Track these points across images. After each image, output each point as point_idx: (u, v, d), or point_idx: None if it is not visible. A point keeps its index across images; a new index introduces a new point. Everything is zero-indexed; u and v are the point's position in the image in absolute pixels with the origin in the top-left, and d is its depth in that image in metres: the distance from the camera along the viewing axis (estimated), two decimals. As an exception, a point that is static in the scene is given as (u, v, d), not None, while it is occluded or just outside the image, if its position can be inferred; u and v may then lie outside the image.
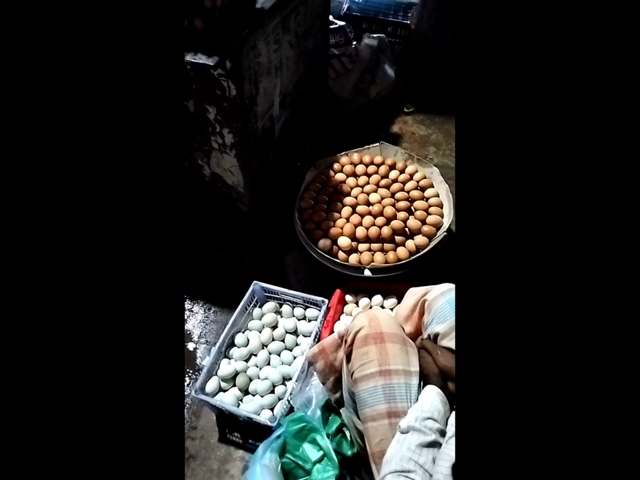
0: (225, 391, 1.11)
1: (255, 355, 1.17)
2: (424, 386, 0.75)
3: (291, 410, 1.03)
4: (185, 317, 1.34)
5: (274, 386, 1.10)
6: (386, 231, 1.29)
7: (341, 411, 0.93)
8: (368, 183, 1.43)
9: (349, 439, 0.93)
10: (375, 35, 1.97)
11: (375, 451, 0.72)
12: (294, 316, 1.25)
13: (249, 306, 1.24)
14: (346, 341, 0.83)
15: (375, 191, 1.40)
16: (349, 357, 0.81)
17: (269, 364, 1.16)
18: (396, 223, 1.30)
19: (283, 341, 1.20)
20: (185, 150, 1.27)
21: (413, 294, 0.90)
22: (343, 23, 1.95)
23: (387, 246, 1.29)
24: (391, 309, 1.21)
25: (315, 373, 1.05)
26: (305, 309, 1.25)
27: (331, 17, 1.86)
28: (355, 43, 1.94)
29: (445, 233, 1.28)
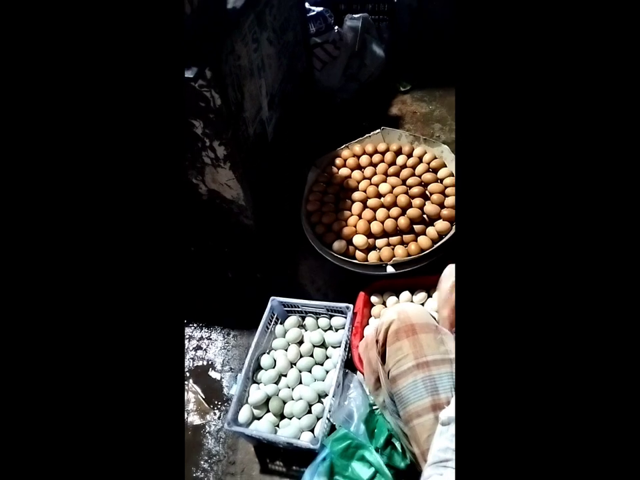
0: (258, 418, 1.11)
1: (285, 376, 1.17)
2: None
3: (332, 428, 1.03)
4: (204, 346, 1.34)
5: (310, 405, 1.10)
6: (403, 221, 1.27)
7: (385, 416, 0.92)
8: (375, 174, 1.41)
9: (400, 449, 0.92)
10: (356, 16, 1.97)
11: (424, 449, 0.72)
12: (319, 327, 1.25)
13: (269, 324, 1.24)
14: (377, 341, 0.84)
15: (384, 181, 1.38)
16: (383, 356, 0.82)
17: (300, 383, 1.15)
18: (412, 211, 1.29)
19: (312, 355, 1.20)
20: (185, 165, 1.28)
21: (449, 276, 0.91)
22: (320, 9, 1.95)
23: (406, 237, 1.28)
24: (422, 304, 1.20)
25: (351, 386, 1.06)
26: (330, 318, 1.24)
27: (307, 5, 1.87)
28: (336, 27, 1.94)
29: (467, 214, 1.26)
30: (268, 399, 1.13)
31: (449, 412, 0.66)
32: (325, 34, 1.92)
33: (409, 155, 1.44)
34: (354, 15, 1.97)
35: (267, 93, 1.40)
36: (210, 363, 1.31)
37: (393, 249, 1.26)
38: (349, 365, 1.15)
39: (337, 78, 1.92)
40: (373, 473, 0.92)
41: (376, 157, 1.45)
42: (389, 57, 1.99)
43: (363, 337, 1.17)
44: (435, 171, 1.40)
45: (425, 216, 1.31)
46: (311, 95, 1.87)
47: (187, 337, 1.37)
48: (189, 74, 0.97)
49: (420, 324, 0.79)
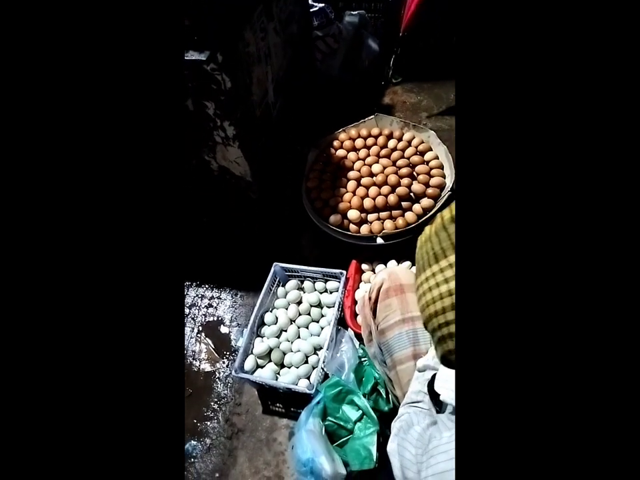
0: (262, 367, 1.11)
1: (285, 331, 1.16)
2: None
3: (325, 376, 1.03)
4: (215, 305, 1.33)
5: (307, 357, 1.10)
6: (392, 198, 1.24)
7: (375, 364, 0.92)
8: (369, 155, 1.37)
9: (384, 395, 0.92)
10: (354, 12, 1.89)
11: (405, 391, 0.72)
12: (316, 290, 1.23)
13: (272, 286, 1.22)
14: (370, 298, 0.83)
15: (377, 162, 1.34)
16: (374, 312, 0.82)
17: (299, 337, 1.15)
18: (401, 190, 1.26)
19: (309, 314, 1.19)
20: (184, 143, 1.22)
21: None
22: (322, 5, 1.86)
23: (394, 213, 1.25)
24: (407, 271, 1.18)
25: (343, 340, 1.05)
26: (325, 282, 1.23)
27: (310, 1, 1.78)
28: (336, 22, 1.86)
29: (450, 192, 1.24)
30: (270, 350, 1.12)
31: (425, 360, 0.65)
32: (326, 28, 1.84)
33: (399, 139, 1.40)
34: (352, 12, 1.89)
35: (273, 79, 1.34)
36: (220, 319, 1.30)
37: (382, 223, 1.24)
38: (341, 323, 1.14)
39: (336, 68, 1.86)
40: (360, 415, 0.92)
41: (370, 140, 1.41)
42: (383, 51, 1.92)
43: (354, 299, 1.16)
44: (422, 153, 1.36)
45: (411, 194, 1.28)
46: (312, 82, 1.80)
47: (200, 296, 1.35)
48: (201, 57, 0.92)
49: (408, 284, 0.78)
